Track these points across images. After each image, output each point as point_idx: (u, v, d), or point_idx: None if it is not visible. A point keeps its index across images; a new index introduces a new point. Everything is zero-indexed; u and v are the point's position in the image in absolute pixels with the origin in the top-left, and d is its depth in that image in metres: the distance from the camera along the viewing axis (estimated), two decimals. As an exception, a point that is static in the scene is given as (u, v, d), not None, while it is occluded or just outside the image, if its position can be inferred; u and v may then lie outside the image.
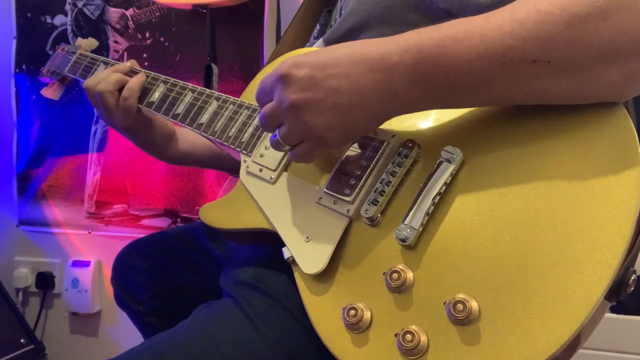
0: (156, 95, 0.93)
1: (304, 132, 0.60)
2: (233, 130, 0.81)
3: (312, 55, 0.60)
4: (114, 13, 1.85)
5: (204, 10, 1.65)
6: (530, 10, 0.52)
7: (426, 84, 0.56)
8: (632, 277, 0.51)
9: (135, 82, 0.94)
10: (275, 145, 0.63)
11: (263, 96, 0.64)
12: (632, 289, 0.52)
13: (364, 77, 0.57)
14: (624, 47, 0.50)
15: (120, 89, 0.94)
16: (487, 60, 0.53)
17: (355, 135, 0.63)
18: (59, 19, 1.95)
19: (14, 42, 2.01)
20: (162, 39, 1.78)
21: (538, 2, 0.52)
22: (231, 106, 0.83)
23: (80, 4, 1.91)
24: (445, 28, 0.56)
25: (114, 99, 0.94)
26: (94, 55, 1.07)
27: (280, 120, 0.62)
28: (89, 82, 0.96)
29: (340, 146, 0.66)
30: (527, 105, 0.57)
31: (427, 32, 0.56)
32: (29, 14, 1.99)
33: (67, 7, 1.93)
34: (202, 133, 0.84)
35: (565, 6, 0.51)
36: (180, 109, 0.88)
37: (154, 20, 1.79)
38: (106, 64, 1.04)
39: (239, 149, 0.79)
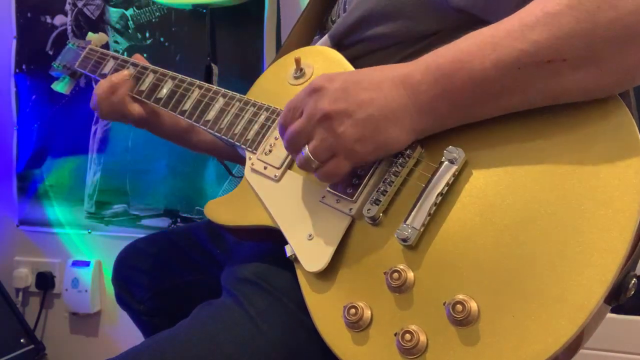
0: (164, 92, 0.93)
1: (335, 145, 0.60)
2: (239, 127, 0.81)
3: (344, 72, 0.63)
4: (114, 13, 1.85)
5: (204, 10, 1.65)
6: (538, 14, 0.53)
7: (449, 99, 0.58)
8: (633, 281, 0.51)
9: (116, 76, 0.97)
10: (305, 162, 0.63)
11: (292, 115, 0.64)
12: (633, 292, 0.52)
13: (395, 92, 0.59)
14: (639, 30, 0.50)
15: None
16: (502, 68, 0.54)
17: (385, 151, 0.62)
18: (59, 19, 1.95)
19: (14, 42, 2.01)
20: (162, 39, 1.78)
21: (545, 4, 0.52)
22: (237, 103, 0.83)
23: (80, 4, 1.91)
24: (458, 44, 0.58)
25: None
26: (104, 51, 1.07)
27: (310, 136, 0.62)
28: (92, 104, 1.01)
29: (369, 162, 0.64)
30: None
31: (441, 51, 0.59)
32: (29, 14, 1.99)
33: (67, 7, 1.93)
34: (209, 130, 0.84)
35: (572, 4, 0.51)
36: (188, 105, 0.89)
37: (154, 20, 1.79)
38: (115, 59, 1.04)
39: (244, 146, 0.79)
